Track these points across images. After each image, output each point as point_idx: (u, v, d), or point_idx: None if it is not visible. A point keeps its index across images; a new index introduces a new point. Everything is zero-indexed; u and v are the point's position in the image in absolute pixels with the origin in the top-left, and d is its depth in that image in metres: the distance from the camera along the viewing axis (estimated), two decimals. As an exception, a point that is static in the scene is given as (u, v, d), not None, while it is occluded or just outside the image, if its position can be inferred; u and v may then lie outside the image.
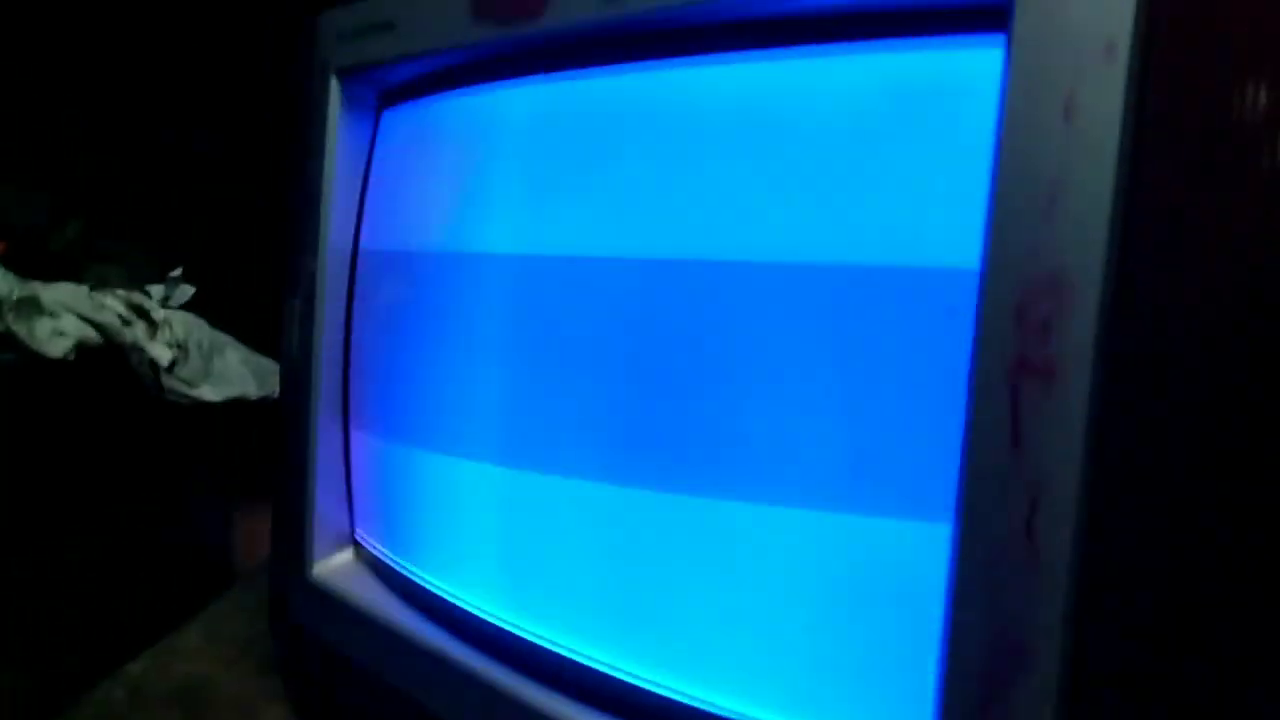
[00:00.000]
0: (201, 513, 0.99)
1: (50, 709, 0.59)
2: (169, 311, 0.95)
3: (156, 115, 1.06)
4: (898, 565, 0.30)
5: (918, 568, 0.29)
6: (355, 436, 0.53)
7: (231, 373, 0.98)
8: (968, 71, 0.29)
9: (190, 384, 0.92)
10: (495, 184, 0.44)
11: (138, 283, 0.97)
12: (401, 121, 0.51)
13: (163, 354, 0.83)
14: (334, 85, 0.51)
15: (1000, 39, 0.27)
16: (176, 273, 1.00)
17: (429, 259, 0.48)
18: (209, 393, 0.93)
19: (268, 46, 1.01)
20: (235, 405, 0.97)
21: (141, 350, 0.82)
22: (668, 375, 0.36)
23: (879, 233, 0.31)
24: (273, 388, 1.02)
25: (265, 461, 0.92)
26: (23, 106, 0.98)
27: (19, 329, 0.75)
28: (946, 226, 0.29)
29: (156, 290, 0.99)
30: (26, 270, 0.87)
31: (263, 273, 1.10)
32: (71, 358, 0.78)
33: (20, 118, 0.97)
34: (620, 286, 0.38)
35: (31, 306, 0.77)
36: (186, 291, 1.00)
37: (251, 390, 0.98)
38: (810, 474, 0.32)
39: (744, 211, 0.35)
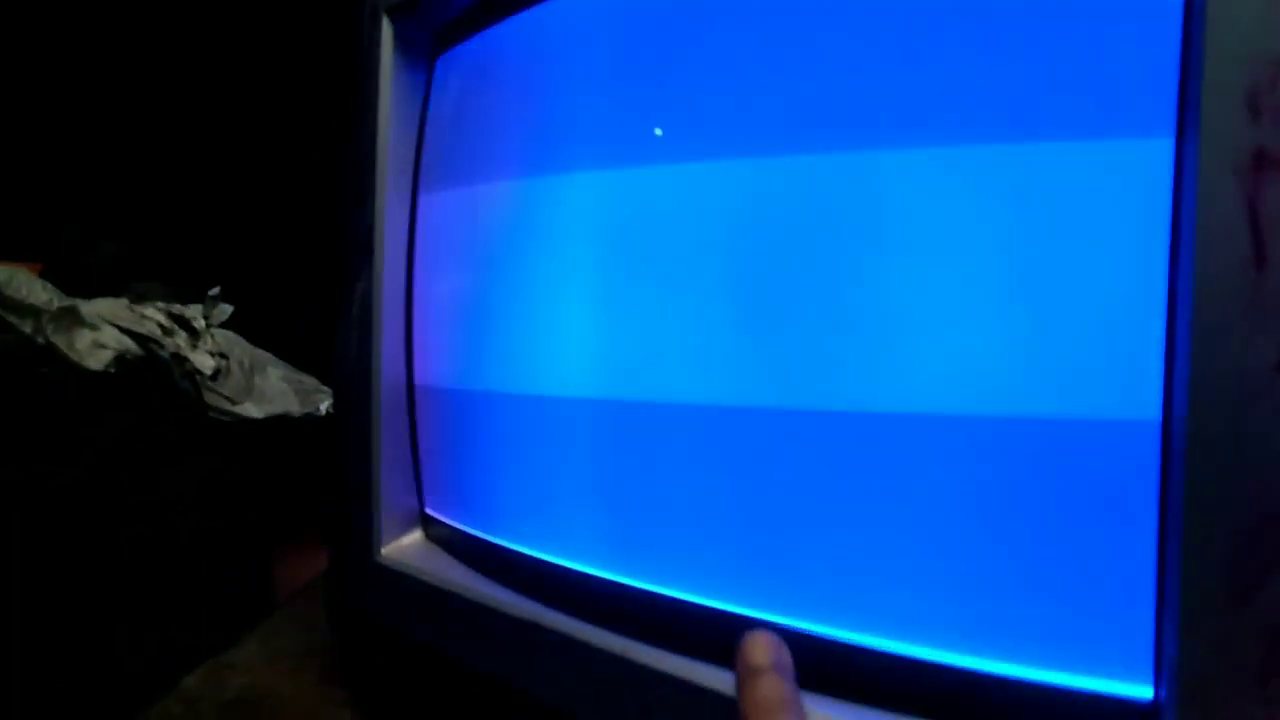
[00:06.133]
0: (244, 532, 0.95)
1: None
2: (209, 330, 0.92)
3: (194, 137, 1.05)
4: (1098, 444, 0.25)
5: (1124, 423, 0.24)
6: (424, 403, 0.49)
7: (273, 390, 0.94)
8: None
9: (233, 400, 0.89)
10: (570, 102, 0.41)
11: (176, 300, 0.94)
12: (458, 63, 0.48)
13: (205, 362, 0.80)
14: (386, 26, 0.48)
15: None
16: (215, 291, 0.97)
17: (498, 194, 0.44)
18: (252, 410, 0.90)
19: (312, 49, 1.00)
20: (278, 423, 0.94)
21: (184, 360, 0.79)
22: (807, 266, 0.32)
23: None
24: (315, 406, 0.98)
25: (309, 480, 0.89)
26: (56, 133, 0.97)
27: (58, 341, 0.72)
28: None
29: (195, 309, 0.96)
30: (64, 288, 0.85)
31: (303, 291, 1.08)
32: (112, 370, 0.75)
33: (53, 144, 0.96)
34: (733, 183, 0.34)
35: (70, 318, 0.74)
36: (225, 310, 0.98)
37: (294, 408, 0.95)
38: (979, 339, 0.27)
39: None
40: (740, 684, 0.24)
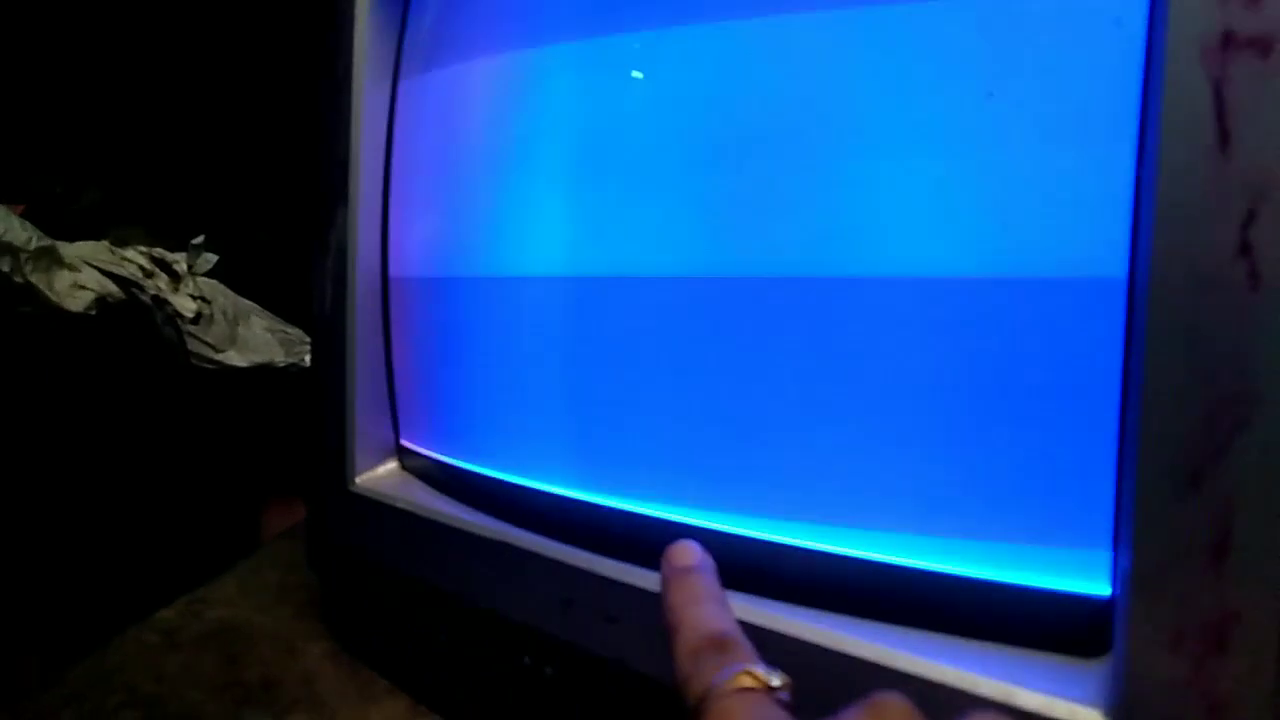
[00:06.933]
0: (226, 481, 0.95)
1: (76, 657, 0.54)
2: (192, 275, 0.91)
3: (177, 87, 1.03)
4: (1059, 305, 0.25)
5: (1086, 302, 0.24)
6: (399, 337, 0.49)
7: (257, 340, 0.94)
8: None
9: (216, 348, 0.88)
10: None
11: (159, 247, 0.93)
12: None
13: (186, 305, 0.79)
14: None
15: None
16: (199, 240, 0.96)
17: (476, 95, 0.43)
18: (235, 358, 0.89)
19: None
20: (262, 372, 0.93)
21: (165, 303, 0.78)
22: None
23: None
24: (299, 356, 0.98)
25: (293, 430, 0.88)
26: (39, 79, 0.96)
27: (37, 280, 0.72)
28: None
29: (178, 256, 0.96)
30: (46, 232, 0.84)
31: (286, 244, 1.07)
32: (93, 312, 0.75)
33: (37, 90, 0.95)
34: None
35: (50, 258, 0.73)
36: (209, 259, 0.97)
37: (279, 357, 0.94)
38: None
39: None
40: (665, 584, 0.24)
